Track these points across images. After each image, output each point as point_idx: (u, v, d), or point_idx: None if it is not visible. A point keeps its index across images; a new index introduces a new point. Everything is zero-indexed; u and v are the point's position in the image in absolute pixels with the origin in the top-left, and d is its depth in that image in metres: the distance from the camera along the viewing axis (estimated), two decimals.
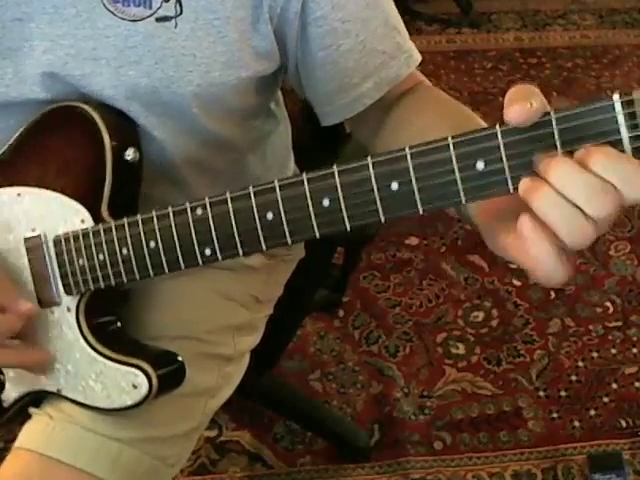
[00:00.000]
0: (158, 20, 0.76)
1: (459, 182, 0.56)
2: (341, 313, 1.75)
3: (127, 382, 0.77)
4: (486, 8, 2.80)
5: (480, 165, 0.55)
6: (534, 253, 0.54)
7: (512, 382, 1.63)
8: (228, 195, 0.66)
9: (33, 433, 0.84)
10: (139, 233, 0.72)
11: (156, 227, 0.71)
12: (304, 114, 1.02)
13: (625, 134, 0.51)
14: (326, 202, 0.61)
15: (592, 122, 0.52)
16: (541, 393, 1.62)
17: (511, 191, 0.55)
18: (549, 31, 2.72)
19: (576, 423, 1.56)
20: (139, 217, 0.72)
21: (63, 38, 0.77)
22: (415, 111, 0.82)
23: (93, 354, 0.78)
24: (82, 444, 0.82)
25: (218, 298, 0.96)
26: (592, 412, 1.58)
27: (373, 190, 0.59)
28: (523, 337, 1.72)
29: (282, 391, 1.55)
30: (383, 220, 0.59)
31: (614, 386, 1.63)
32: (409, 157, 0.57)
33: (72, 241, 0.77)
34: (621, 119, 0.51)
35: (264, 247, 0.65)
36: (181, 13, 0.76)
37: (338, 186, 0.60)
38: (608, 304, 1.79)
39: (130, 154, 0.78)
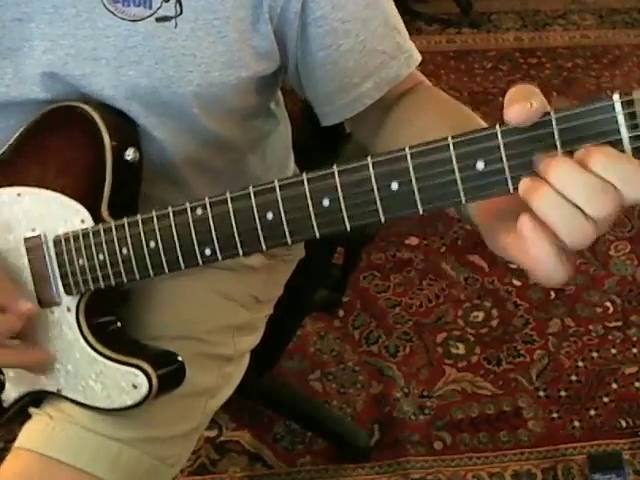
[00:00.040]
0: (158, 20, 0.76)
1: (459, 182, 0.56)
2: (341, 313, 1.75)
3: (127, 382, 0.77)
4: (486, 8, 2.80)
5: (480, 165, 0.55)
6: (534, 253, 0.54)
7: (512, 382, 1.63)
8: (228, 195, 0.66)
9: (33, 433, 0.84)
10: (139, 233, 0.72)
11: (156, 227, 0.71)
12: (304, 114, 1.02)
13: (625, 134, 0.51)
14: (326, 202, 0.61)
15: (592, 122, 0.52)
16: (541, 393, 1.61)
17: (511, 191, 0.55)
18: (549, 31, 2.72)
19: (576, 423, 1.56)
20: (139, 217, 0.72)
21: (63, 38, 0.77)
22: (415, 111, 0.82)
23: (93, 354, 0.78)
24: (82, 444, 0.82)
25: (218, 298, 0.96)
26: (592, 412, 1.58)
27: (373, 190, 0.59)
28: (523, 337, 1.72)
29: (282, 391, 1.55)
30: (383, 220, 0.59)
31: (614, 386, 1.63)
32: (409, 157, 0.57)
33: (72, 241, 0.77)
34: (621, 119, 0.51)
35: (264, 247, 0.65)
36: (181, 13, 0.76)
37: (338, 186, 0.60)
38: (608, 304, 1.79)
39: (130, 154, 0.78)
